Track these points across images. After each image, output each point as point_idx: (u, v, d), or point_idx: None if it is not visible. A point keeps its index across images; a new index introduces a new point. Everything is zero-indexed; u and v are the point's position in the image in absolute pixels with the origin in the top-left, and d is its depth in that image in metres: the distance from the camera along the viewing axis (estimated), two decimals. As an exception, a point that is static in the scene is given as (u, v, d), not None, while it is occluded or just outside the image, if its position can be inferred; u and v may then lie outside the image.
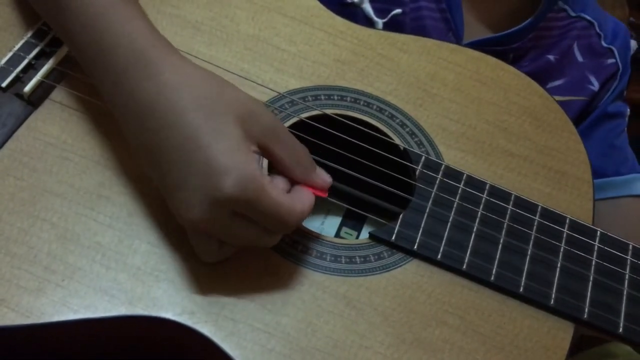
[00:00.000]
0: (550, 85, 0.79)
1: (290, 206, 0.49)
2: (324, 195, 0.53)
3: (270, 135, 0.50)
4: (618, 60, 0.81)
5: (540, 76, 0.77)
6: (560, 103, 0.66)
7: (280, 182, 0.52)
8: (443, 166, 0.60)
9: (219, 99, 0.49)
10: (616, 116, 0.81)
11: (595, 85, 0.80)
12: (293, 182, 0.52)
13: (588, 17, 0.81)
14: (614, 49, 0.81)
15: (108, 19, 0.52)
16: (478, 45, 0.75)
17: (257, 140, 0.50)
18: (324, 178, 0.53)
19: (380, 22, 0.74)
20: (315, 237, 0.56)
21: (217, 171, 0.47)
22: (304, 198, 0.51)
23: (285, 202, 0.49)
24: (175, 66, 0.51)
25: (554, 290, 0.56)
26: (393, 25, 0.74)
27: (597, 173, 0.76)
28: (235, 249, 0.52)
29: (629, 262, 0.58)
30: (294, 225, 0.50)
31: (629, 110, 0.82)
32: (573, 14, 0.80)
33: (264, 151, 0.50)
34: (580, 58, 0.80)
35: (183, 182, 0.48)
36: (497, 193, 0.60)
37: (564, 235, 0.58)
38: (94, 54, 0.52)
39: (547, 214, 0.59)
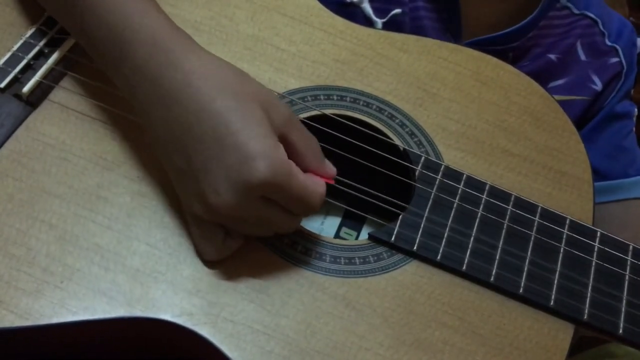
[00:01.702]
0: (552, 84, 0.78)
1: (314, 188, 0.51)
2: (332, 182, 0.54)
3: (289, 123, 0.52)
4: (622, 59, 0.79)
5: (541, 76, 0.76)
6: (562, 103, 0.66)
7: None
8: (443, 166, 0.60)
9: (244, 87, 0.51)
10: (624, 117, 0.80)
11: (598, 85, 0.79)
12: (304, 170, 0.53)
13: (592, 15, 0.80)
14: (618, 47, 0.80)
15: (126, 12, 0.53)
16: (476, 45, 0.74)
17: (277, 128, 0.51)
18: (331, 167, 0.55)
19: (379, 22, 0.74)
20: (314, 238, 0.56)
21: (249, 156, 0.48)
22: (320, 182, 0.52)
23: (310, 184, 0.51)
24: (198, 55, 0.52)
25: (553, 291, 0.55)
26: (392, 25, 0.74)
27: (604, 175, 0.75)
28: (237, 246, 0.52)
29: (629, 262, 0.58)
30: (317, 207, 0.52)
31: (637, 110, 0.81)
32: (576, 12, 0.79)
33: (282, 139, 0.51)
34: (583, 57, 0.79)
35: (212, 167, 0.49)
36: (497, 193, 0.59)
37: (564, 236, 0.58)
38: (111, 46, 0.53)
39: (547, 214, 0.59)
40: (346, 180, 0.57)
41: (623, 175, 0.76)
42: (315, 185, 0.51)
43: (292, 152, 0.52)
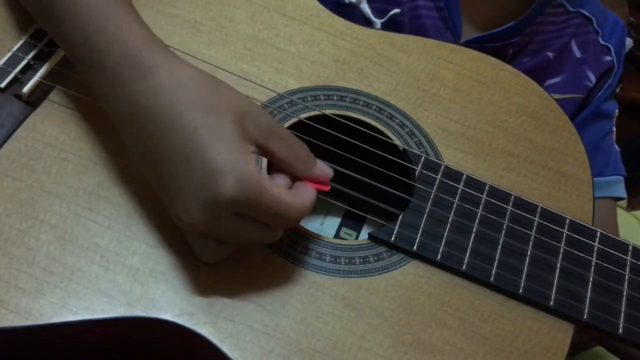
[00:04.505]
0: (548, 82, 0.79)
1: (291, 202, 0.49)
2: (327, 188, 0.53)
3: (267, 133, 0.50)
4: (614, 58, 0.81)
5: (539, 73, 0.77)
6: (559, 101, 0.66)
7: (280, 180, 0.52)
8: (442, 167, 0.60)
9: (216, 99, 0.49)
10: (606, 117, 0.81)
11: (592, 80, 0.80)
12: (294, 178, 0.52)
13: (586, 13, 0.81)
14: (610, 47, 0.81)
15: (101, 20, 0.52)
16: (476, 42, 0.75)
17: (255, 139, 0.49)
18: (325, 170, 0.53)
19: (378, 22, 0.74)
20: (314, 237, 0.56)
21: (215, 172, 0.46)
22: (304, 194, 0.51)
23: (285, 198, 0.49)
24: (170, 67, 0.50)
25: (553, 291, 0.56)
26: (391, 25, 0.74)
27: None
28: (234, 247, 0.52)
29: (628, 262, 0.58)
30: (295, 220, 0.50)
31: (617, 111, 0.83)
32: (571, 9, 0.80)
33: (262, 150, 0.50)
34: (578, 54, 0.80)
35: (182, 184, 0.48)
36: (497, 194, 0.60)
37: (564, 236, 0.58)
38: (87, 56, 0.52)
39: (546, 214, 0.59)
40: (349, 172, 0.57)
41: (597, 174, 0.77)
42: (295, 198, 0.50)
43: (276, 161, 0.51)
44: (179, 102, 0.48)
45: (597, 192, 0.75)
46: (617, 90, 0.83)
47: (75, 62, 0.55)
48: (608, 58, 0.81)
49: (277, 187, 0.49)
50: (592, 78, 0.79)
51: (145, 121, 0.49)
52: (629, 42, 0.84)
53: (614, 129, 0.82)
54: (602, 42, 0.80)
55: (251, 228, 0.49)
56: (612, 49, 0.80)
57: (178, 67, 0.51)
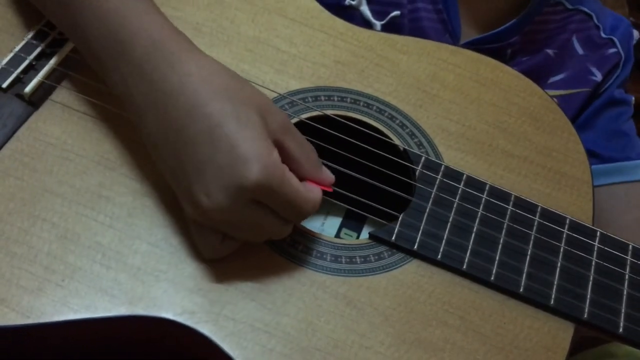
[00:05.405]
0: (552, 80, 0.79)
1: (307, 194, 0.51)
2: (329, 189, 0.54)
3: (285, 130, 0.51)
4: (620, 49, 0.81)
5: (541, 71, 0.77)
6: (563, 97, 0.66)
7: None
8: (443, 167, 0.60)
9: (241, 92, 0.51)
10: (622, 103, 0.81)
11: (598, 76, 0.80)
12: (301, 178, 0.53)
13: (586, 10, 0.81)
14: (614, 39, 0.81)
15: (126, 12, 0.53)
16: (475, 44, 0.75)
17: (273, 134, 0.50)
18: (329, 175, 0.54)
19: (378, 24, 0.74)
20: (315, 237, 0.56)
21: (242, 158, 0.48)
22: (314, 190, 0.52)
23: (302, 190, 0.51)
24: (197, 57, 0.52)
25: (554, 291, 0.56)
26: (391, 27, 0.74)
27: (606, 158, 0.76)
28: (237, 245, 0.52)
29: (628, 262, 0.58)
30: (307, 214, 0.52)
31: (633, 98, 0.82)
32: (570, 7, 0.81)
33: (277, 146, 0.51)
34: (580, 51, 0.80)
35: (206, 169, 0.48)
36: (497, 193, 0.60)
37: (564, 236, 0.58)
38: (110, 47, 0.53)
39: (547, 214, 0.59)
40: (350, 172, 0.57)
41: (624, 159, 0.77)
42: (308, 192, 0.51)
43: (287, 159, 0.51)
44: (206, 90, 0.50)
45: (627, 176, 0.75)
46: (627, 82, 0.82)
47: (90, 54, 0.55)
48: (613, 50, 0.80)
49: (296, 179, 0.50)
50: (597, 73, 0.79)
51: (169, 107, 0.50)
52: (636, 34, 0.83)
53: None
54: (603, 35, 0.80)
55: (265, 218, 0.50)
56: (616, 41, 0.80)
57: (204, 59, 0.52)
